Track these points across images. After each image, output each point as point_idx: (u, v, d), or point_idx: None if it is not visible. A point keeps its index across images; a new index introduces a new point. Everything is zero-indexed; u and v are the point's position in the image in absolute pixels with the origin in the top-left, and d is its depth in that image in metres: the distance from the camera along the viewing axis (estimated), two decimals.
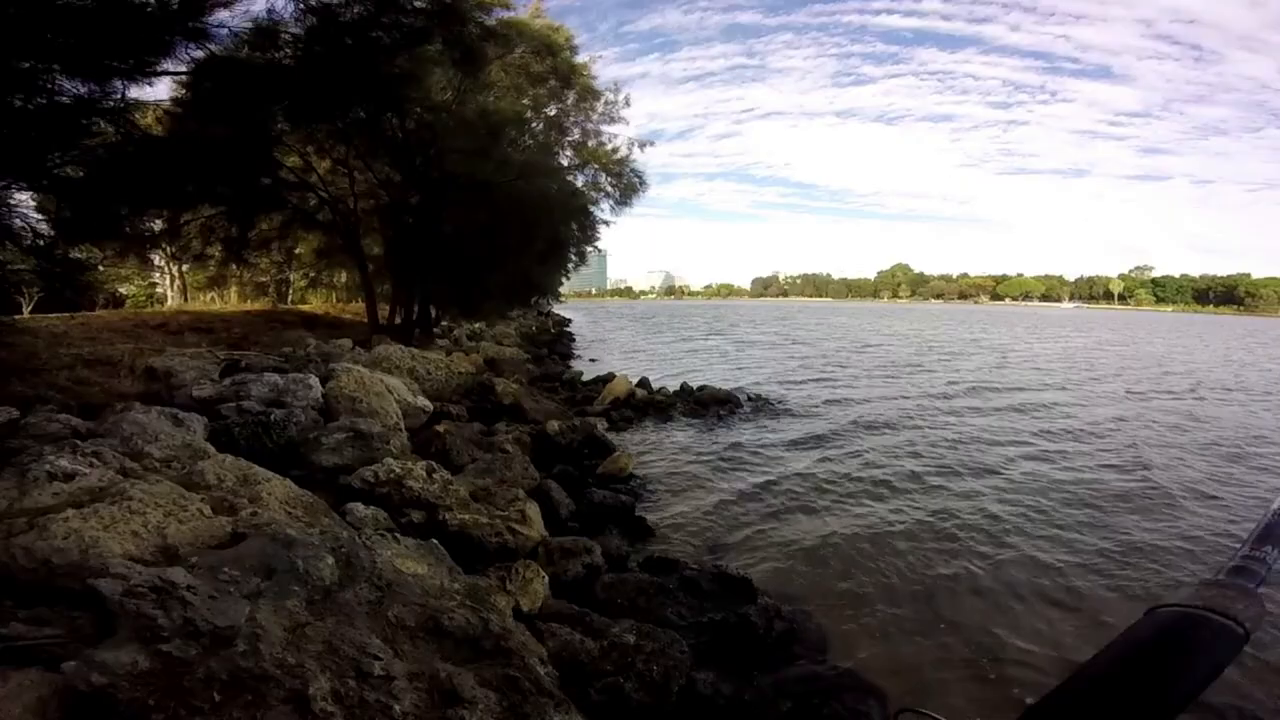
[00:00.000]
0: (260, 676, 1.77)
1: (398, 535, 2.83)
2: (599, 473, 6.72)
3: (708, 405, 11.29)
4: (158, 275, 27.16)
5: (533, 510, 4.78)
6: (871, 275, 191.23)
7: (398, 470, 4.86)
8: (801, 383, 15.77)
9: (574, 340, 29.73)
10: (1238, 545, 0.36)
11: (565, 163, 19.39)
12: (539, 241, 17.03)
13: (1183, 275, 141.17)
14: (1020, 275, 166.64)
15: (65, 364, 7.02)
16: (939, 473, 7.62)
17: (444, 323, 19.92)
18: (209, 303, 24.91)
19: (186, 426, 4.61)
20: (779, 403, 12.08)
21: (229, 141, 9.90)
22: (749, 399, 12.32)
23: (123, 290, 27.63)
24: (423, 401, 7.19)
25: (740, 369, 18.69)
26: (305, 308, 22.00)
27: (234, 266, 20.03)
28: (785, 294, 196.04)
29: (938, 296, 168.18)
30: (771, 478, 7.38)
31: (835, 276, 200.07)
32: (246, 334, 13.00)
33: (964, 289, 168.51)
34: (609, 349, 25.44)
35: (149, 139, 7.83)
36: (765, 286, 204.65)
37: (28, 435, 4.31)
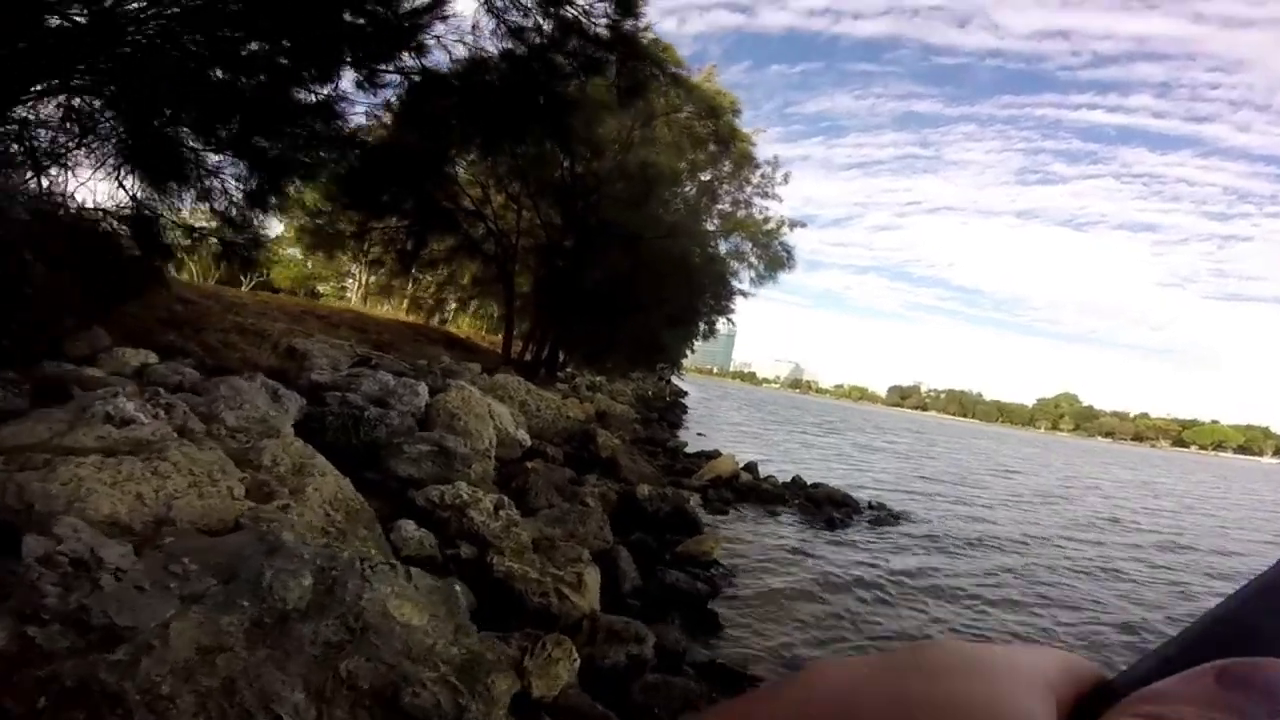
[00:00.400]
0: (112, 696, 1.27)
1: (411, 571, 2.30)
2: (679, 551, 5.88)
3: (820, 504, 9.96)
4: (349, 281, 31.19)
5: (592, 576, 4.10)
6: (1030, 401, 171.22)
7: (465, 496, 4.47)
8: (930, 497, 13.63)
9: (686, 412, 29.08)
10: None
11: (711, 228, 19.43)
12: (672, 303, 16.91)
13: None
14: (1215, 423, 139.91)
15: (223, 329, 7.73)
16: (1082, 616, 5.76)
17: (568, 369, 20.35)
18: (374, 309, 27.95)
19: (281, 404, 4.62)
20: (904, 516, 10.38)
21: (423, 157, 10.84)
22: (870, 506, 10.75)
23: (320, 289, 31.93)
24: (522, 435, 6.92)
25: (861, 472, 16.74)
26: (452, 330, 23.77)
27: (400, 280, 22.24)
28: (925, 407, 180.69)
29: (1107, 435, 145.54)
30: (881, 596, 6.08)
31: (986, 397, 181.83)
32: (393, 340, 13.98)
33: (1140, 430, 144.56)
34: (720, 427, 24.42)
35: (361, 144, 8.34)
36: (903, 396, 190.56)
37: (148, 380, 4.53)
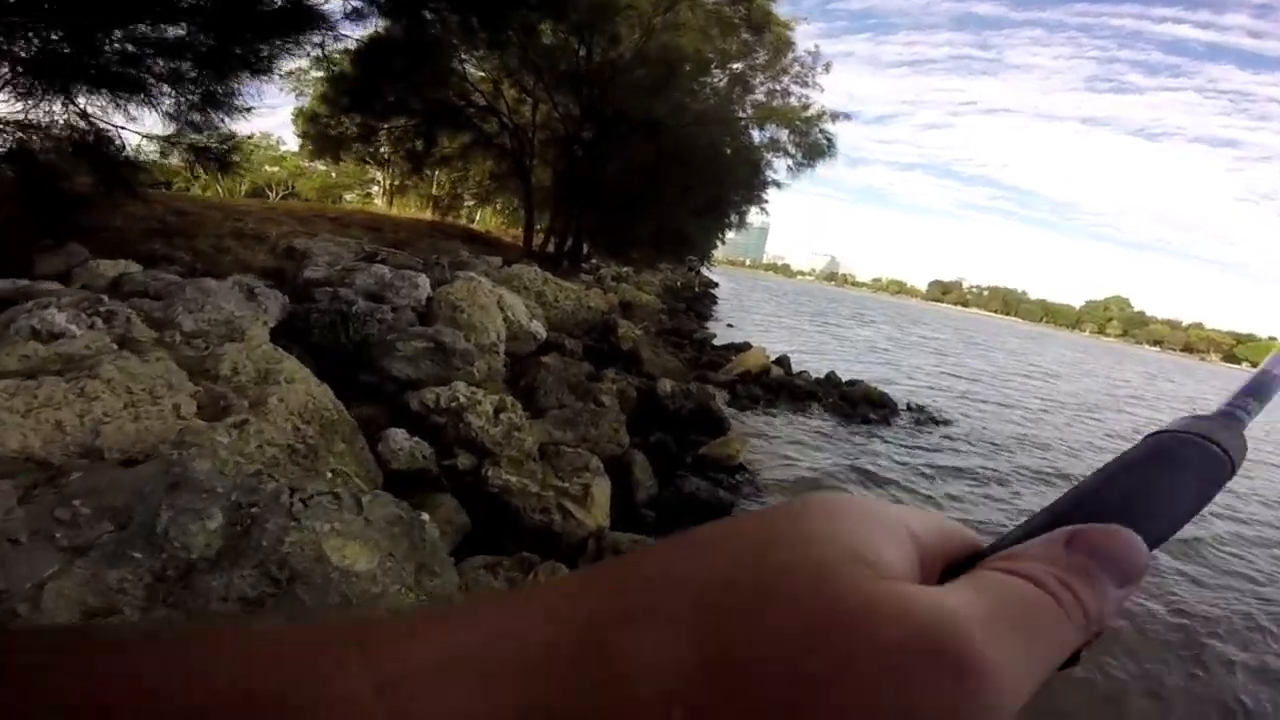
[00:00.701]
0: None
1: (364, 500, 1.87)
2: (702, 454, 5.52)
3: (856, 404, 9.47)
4: (374, 187, 30.17)
5: (601, 488, 3.74)
6: (1077, 304, 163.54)
7: (462, 398, 4.05)
8: (973, 402, 13.04)
9: (715, 303, 28.28)
10: None
11: (743, 116, 17.74)
12: (700, 194, 15.83)
13: None
14: (1272, 339, 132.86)
15: (219, 234, 7.24)
16: None
17: (593, 260, 19.61)
18: (402, 210, 27.15)
19: (258, 304, 4.15)
20: (944, 420, 9.86)
21: (422, 52, 10.01)
22: (909, 408, 10.24)
23: (347, 196, 31.08)
24: (536, 327, 6.42)
25: (895, 368, 16.11)
26: (472, 226, 22.94)
27: (416, 180, 21.46)
28: (966, 303, 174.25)
29: (1155, 343, 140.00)
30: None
31: (1032, 296, 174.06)
32: (409, 238, 13.47)
33: (1191, 341, 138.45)
34: (750, 319, 23.68)
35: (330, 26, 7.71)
36: (944, 291, 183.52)
37: (121, 291, 4.10)
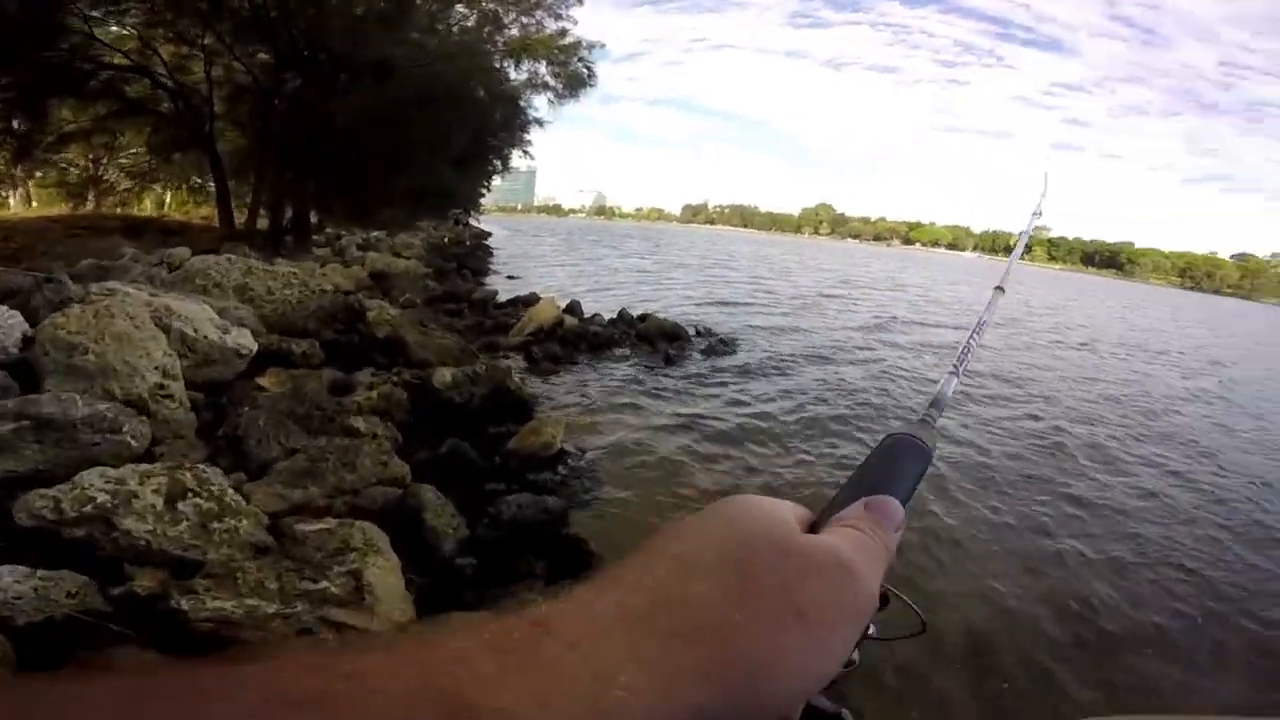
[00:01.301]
0: None
1: None
2: (511, 449, 4.49)
3: (653, 340, 9.18)
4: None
5: (380, 567, 2.53)
6: (796, 212, 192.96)
7: (101, 495, 2.43)
8: (741, 312, 13.94)
9: (492, 255, 26.33)
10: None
11: (498, 56, 15.83)
12: (456, 140, 13.74)
13: (1075, 238, 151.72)
14: (933, 224, 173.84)
15: None
16: None
17: (327, 230, 16.27)
18: (49, 208, 19.04)
19: None
20: (731, 339, 10.15)
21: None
22: (698, 333, 10.38)
23: None
24: (239, 338, 4.47)
25: (669, 292, 16.61)
26: (137, 212, 17.27)
27: (28, 167, 15.41)
28: (713, 222, 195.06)
29: (855, 236, 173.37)
30: (753, 433, 5.60)
31: (762, 209, 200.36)
32: (32, 244, 9.48)
33: (880, 232, 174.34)
34: (532, 266, 22.44)
35: None
36: (695, 213, 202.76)
37: None
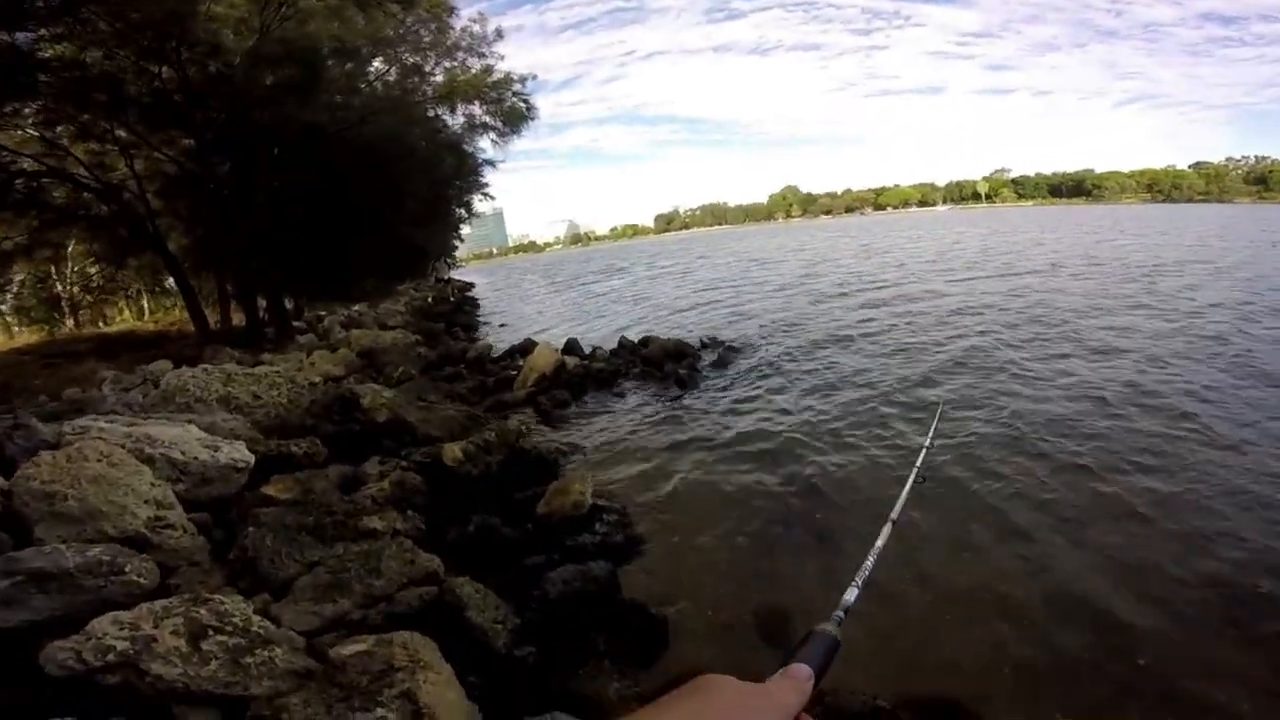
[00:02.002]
0: None
1: None
2: (541, 514, 4.24)
3: (660, 363, 8.92)
4: None
5: (431, 683, 2.28)
6: (765, 199, 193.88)
7: (121, 642, 2.23)
8: (736, 310, 13.74)
9: (479, 307, 26.24)
10: None
11: (430, 106, 15.81)
12: (409, 197, 13.67)
13: (1038, 174, 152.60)
14: (898, 185, 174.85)
15: None
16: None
17: (305, 315, 16.12)
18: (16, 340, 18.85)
19: None
20: (737, 346, 9.89)
21: None
22: (703, 344, 10.12)
23: None
24: (231, 454, 4.23)
25: (667, 309, 16.35)
26: (119, 322, 17.15)
27: None
28: (688, 226, 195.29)
29: (826, 213, 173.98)
30: (783, 449, 5.29)
31: (732, 204, 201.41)
32: (8, 380, 9.27)
33: (849, 203, 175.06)
34: (521, 310, 22.33)
35: None
36: (668, 222, 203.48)
37: None
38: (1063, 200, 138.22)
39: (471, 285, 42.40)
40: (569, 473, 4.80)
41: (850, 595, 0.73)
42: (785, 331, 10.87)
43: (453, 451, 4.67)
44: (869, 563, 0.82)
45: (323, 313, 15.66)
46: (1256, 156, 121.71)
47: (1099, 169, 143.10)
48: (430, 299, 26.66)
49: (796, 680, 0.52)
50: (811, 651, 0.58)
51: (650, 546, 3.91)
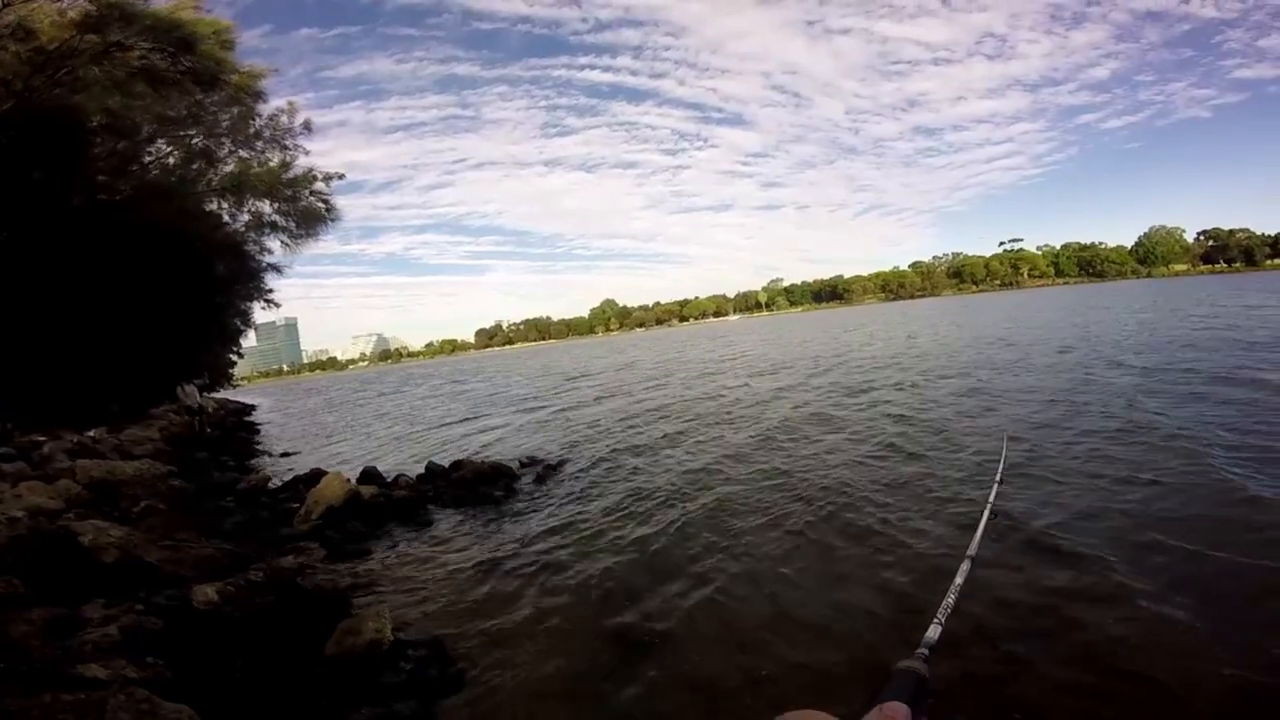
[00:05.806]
0: None
1: None
2: (331, 656, 3.68)
3: (473, 486, 8.46)
4: None
5: None
6: (586, 314, 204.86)
7: None
8: (556, 429, 13.81)
9: (258, 432, 22.86)
10: None
11: (210, 197, 14.42)
12: (167, 304, 11.93)
13: (803, 282, 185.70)
14: (698, 298, 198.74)
15: None
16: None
17: (17, 438, 12.60)
18: None
19: None
20: (557, 464, 9.79)
21: None
22: (522, 464, 9.86)
23: None
24: None
25: (490, 428, 15.86)
26: None
27: None
28: (510, 341, 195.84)
29: (640, 325, 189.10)
30: (612, 582, 5.23)
31: (556, 318, 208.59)
32: None
33: (659, 315, 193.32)
34: (311, 436, 19.91)
35: None
36: (490, 337, 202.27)
37: None
38: (824, 305, 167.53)
39: (252, 407, 36.99)
40: (364, 609, 4.26)
41: (933, 632, 0.75)
42: (610, 443, 11.09)
43: (205, 593, 3.90)
44: (950, 600, 0.85)
45: (41, 438, 12.35)
46: (953, 253, 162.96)
47: (847, 274, 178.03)
48: (197, 424, 22.57)
49: (894, 718, 0.52)
50: (901, 688, 0.59)
51: (474, 677, 3.56)
